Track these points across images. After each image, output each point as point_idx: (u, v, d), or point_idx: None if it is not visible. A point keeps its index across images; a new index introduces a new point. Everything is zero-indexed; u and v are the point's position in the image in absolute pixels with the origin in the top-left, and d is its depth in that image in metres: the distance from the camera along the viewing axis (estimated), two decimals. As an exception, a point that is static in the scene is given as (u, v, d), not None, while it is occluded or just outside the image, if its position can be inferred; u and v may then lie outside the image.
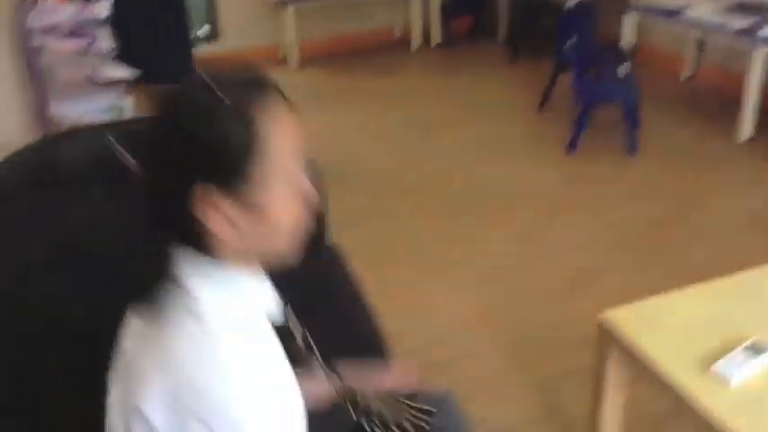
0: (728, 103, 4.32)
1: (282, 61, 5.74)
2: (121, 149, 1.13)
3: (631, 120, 4.03)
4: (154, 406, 0.96)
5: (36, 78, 3.39)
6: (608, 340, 1.86)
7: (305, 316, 1.23)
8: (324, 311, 1.60)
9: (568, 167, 3.93)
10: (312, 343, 1.22)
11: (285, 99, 1.03)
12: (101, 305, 1.17)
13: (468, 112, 4.63)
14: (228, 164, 0.97)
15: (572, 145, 4.07)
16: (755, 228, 3.32)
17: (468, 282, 3.00)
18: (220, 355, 0.98)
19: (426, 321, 2.78)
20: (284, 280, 1.17)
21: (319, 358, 1.25)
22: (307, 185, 1.06)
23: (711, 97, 4.73)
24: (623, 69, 4.48)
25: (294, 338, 1.17)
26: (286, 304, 1.16)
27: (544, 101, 4.66)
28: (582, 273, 3.04)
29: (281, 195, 1.02)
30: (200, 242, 1.03)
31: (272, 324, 1.12)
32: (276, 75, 1.05)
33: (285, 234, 1.06)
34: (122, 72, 3.57)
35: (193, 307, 1.01)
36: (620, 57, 4.43)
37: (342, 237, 2.08)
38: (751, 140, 4.07)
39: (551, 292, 2.94)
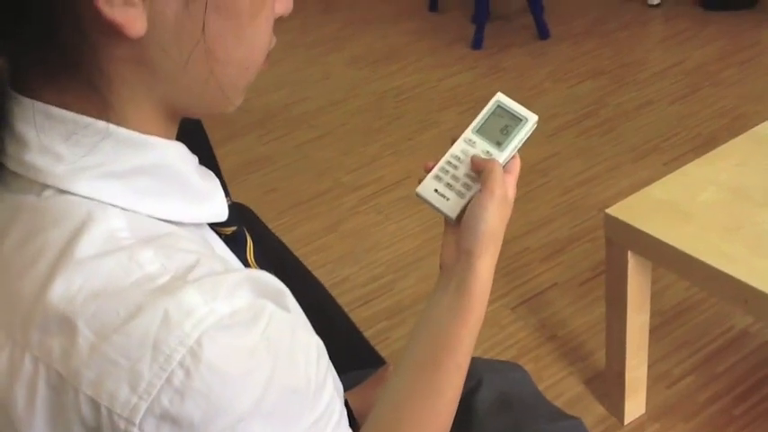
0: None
1: None
2: None
3: (535, 3, 3.63)
4: None
5: None
6: (623, 238, 1.62)
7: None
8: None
9: (483, 63, 3.55)
10: None
11: None
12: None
13: (351, 29, 4.06)
14: None
15: (477, 41, 3.67)
16: (682, 83, 3.11)
17: (408, 205, 2.57)
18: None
19: (374, 261, 2.35)
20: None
21: None
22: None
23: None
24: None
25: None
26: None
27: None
28: (534, 168, 2.64)
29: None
30: (82, 75, 0.55)
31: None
32: None
33: (251, 64, 0.62)
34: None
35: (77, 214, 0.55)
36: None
37: (238, 190, 1.59)
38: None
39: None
